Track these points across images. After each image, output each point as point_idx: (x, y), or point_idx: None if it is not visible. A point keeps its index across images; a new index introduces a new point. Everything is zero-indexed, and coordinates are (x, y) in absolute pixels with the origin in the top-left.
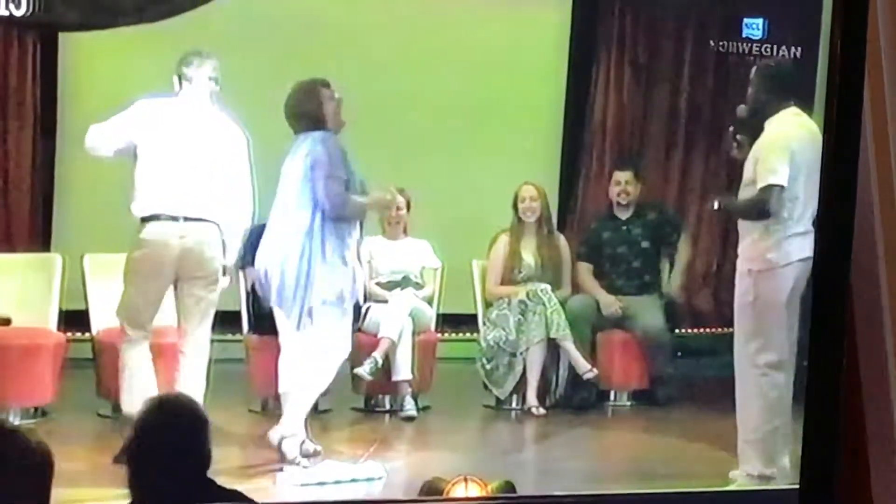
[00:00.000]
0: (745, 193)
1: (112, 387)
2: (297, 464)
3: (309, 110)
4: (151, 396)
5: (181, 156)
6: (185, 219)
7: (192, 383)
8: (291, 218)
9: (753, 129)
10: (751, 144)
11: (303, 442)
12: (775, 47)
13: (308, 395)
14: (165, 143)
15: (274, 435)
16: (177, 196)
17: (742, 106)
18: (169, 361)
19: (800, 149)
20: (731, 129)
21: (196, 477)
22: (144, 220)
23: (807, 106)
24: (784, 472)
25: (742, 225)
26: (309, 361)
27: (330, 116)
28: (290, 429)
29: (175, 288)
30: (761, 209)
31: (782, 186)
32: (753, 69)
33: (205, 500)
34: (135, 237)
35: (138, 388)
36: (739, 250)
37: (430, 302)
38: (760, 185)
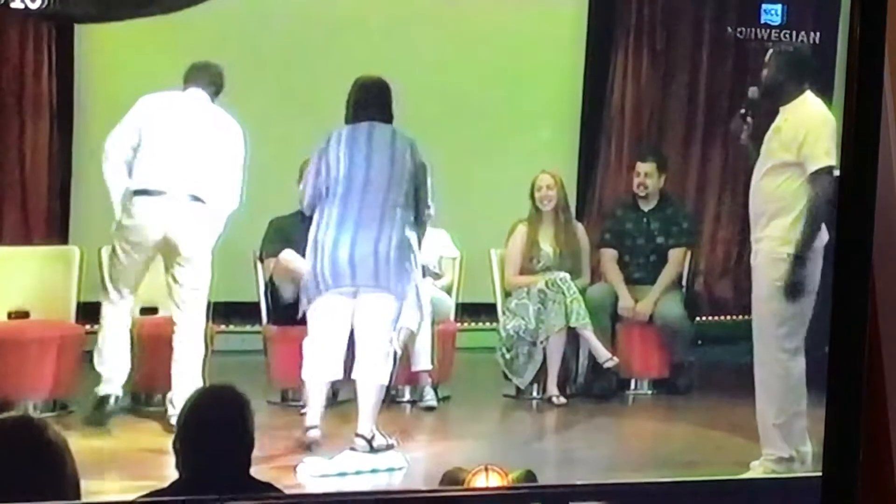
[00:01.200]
0: (777, 176)
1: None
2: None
3: (385, 104)
4: (199, 388)
5: (176, 140)
6: (172, 196)
7: (186, 374)
8: (388, 207)
9: (765, 112)
10: (758, 127)
11: (373, 437)
12: (794, 33)
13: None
14: (163, 128)
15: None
16: (166, 174)
17: (755, 88)
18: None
19: (835, 129)
20: (742, 110)
21: (238, 464)
22: (136, 192)
23: (823, 91)
24: (803, 456)
25: (773, 207)
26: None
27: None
28: (312, 419)
29: (164, 268)
30: (828, 196)
31: (834, 167)
32: (770, 51)
33: (240, 490)
34: (125, 206)
35: (110, 349)
36: (766, 234)
37: (448, 291)
38: (814, 168)
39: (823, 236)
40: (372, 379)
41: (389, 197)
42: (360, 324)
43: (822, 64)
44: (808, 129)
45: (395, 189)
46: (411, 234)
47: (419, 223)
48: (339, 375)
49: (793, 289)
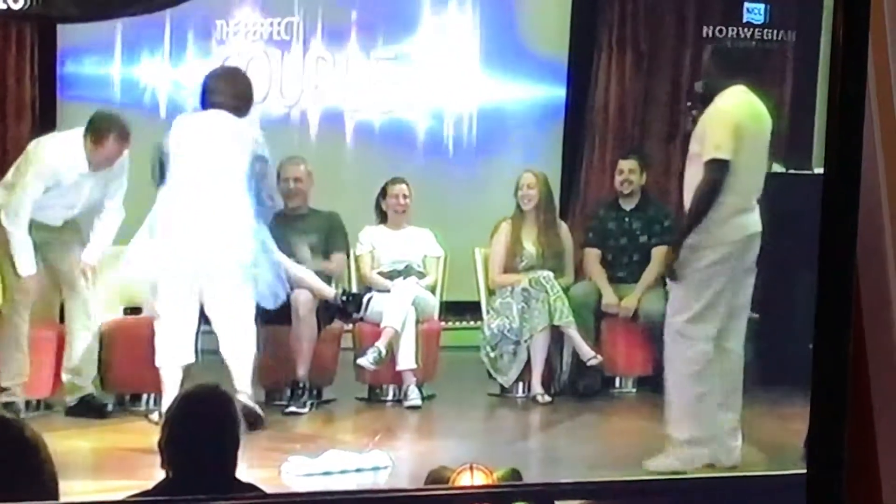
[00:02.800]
0: (691, 167)
1: (117, 378)
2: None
3: (246, 92)
4: (185, 387)
5: None
6: None
7: None
8: (232, 197)
9: (705, 105)
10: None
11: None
12: (776, 31)
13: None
14: None
15: None
16: None
17: (699, 82)
18: None
19: (744, 123)
20: (689, 104)
21: (224, 464)
22: None
23: (757, 85)
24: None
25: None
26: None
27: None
28: None
29: None
30: (711, 186)
31: (727, 161)
32: (709, 49)
33: (226, 490)
34: None
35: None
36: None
37: (432, 290)
38: (706, 158)
39: (752, 226)
40: (238, 355)
41: (233, 187)
42: (210, 308)
43: (805, 62)
44: (709, 120)
45: (238, 180)
46: (257, 224)
47: (265, 213)
48: (192, 359)
49: (670, 274)
